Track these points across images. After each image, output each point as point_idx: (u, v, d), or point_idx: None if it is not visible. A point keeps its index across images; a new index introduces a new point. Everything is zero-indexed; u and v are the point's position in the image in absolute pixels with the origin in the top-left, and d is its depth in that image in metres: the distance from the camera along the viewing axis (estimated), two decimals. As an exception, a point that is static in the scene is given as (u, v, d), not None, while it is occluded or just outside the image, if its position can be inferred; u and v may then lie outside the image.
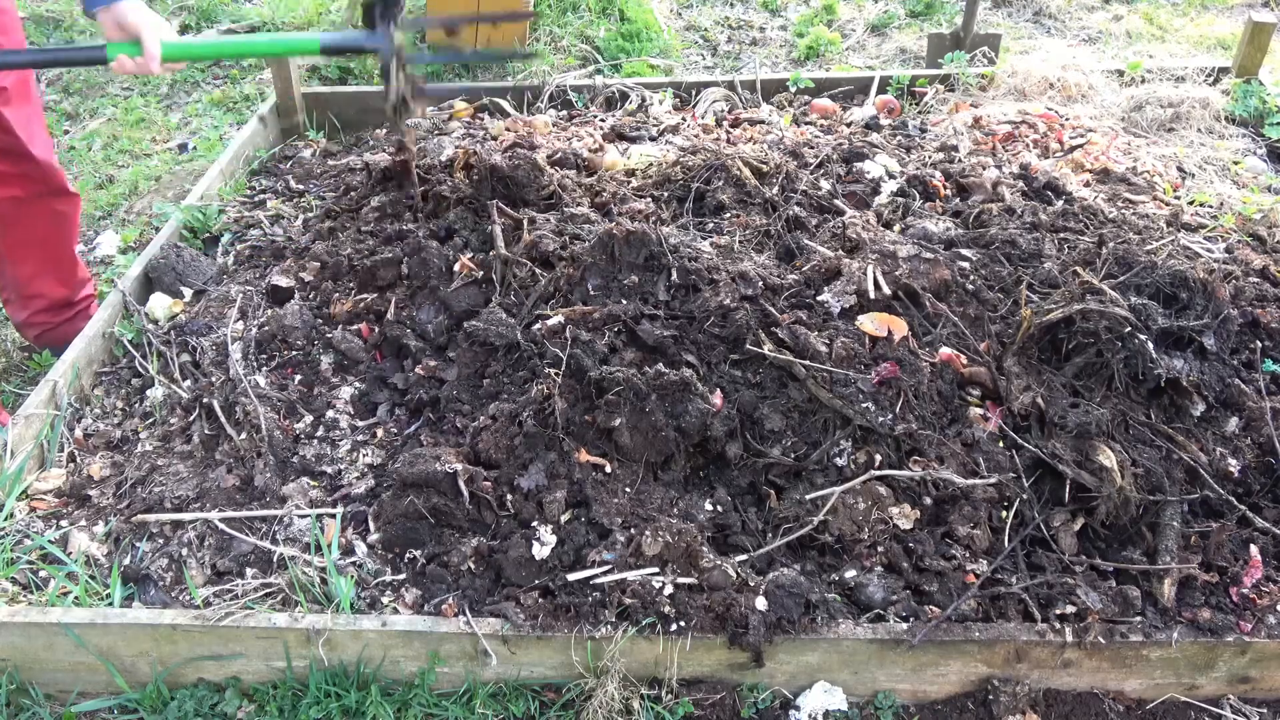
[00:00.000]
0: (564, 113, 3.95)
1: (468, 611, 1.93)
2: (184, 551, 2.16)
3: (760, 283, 2.41)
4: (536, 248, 2.61)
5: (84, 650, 1.93)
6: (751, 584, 1.92)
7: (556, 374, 2.21)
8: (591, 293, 2.44)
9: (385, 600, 2.03)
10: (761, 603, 1.88)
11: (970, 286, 2.45)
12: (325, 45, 2.20)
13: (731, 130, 3.65)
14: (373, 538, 2.14)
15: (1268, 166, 3.49)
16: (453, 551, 2.05)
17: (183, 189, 3.95)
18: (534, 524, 2.04)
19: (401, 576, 2.07)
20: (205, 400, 2.44)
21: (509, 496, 2.11)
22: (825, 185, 2.95)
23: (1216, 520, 2.10)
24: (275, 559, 2.11)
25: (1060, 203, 2.92)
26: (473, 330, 2.41)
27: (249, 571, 2.11)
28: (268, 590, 2.06)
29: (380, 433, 2.40)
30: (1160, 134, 3.65)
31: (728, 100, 3.99)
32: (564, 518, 2.06)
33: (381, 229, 2.87)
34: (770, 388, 2.23)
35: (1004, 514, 2.09)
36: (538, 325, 2.39)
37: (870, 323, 2.31)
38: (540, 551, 1.98)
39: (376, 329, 2.61)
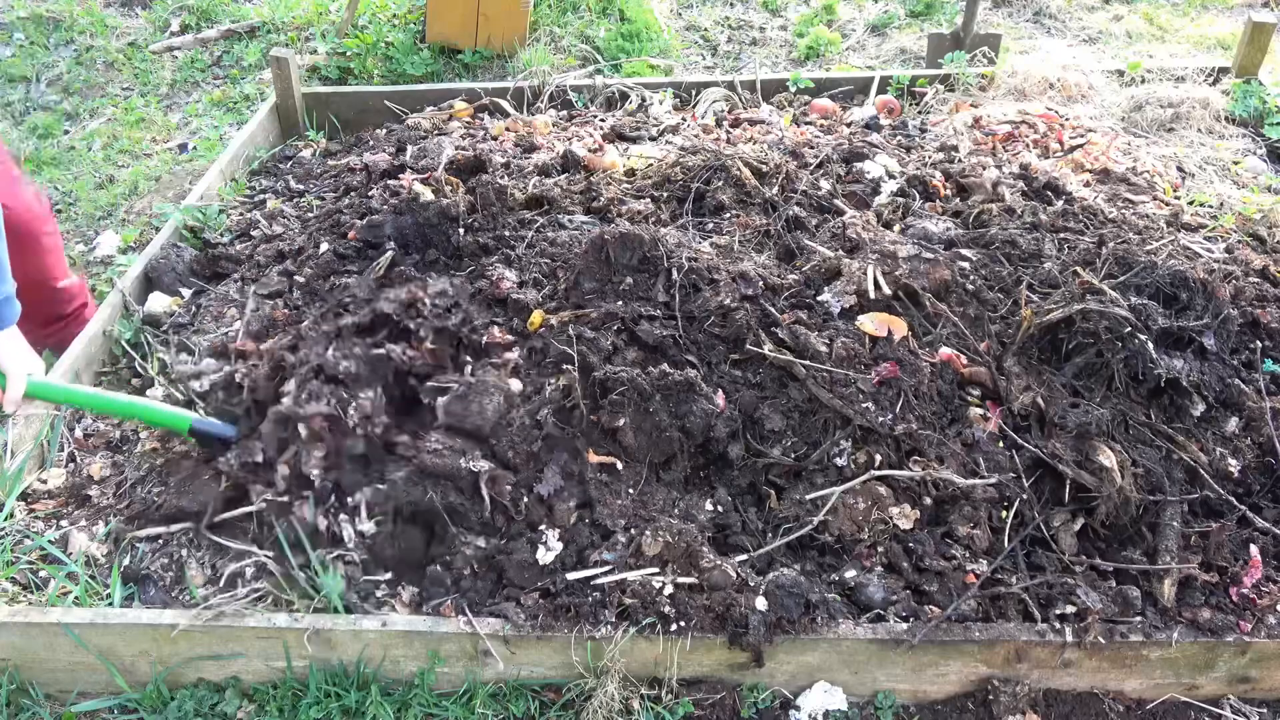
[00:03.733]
0: (564, 113, 3.95)
1: (468, 611, 1.93)
2: (184, 552, 2.15)
3: (760, 283, 2.41)
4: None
5: (84, 650, 1.93)
6: (751, 584, 1.92)
7: (571, 368, 2.20)
8: (586, 296, 2.44)
9: (379, 593, 2.01)
10: (761, 603, 1.88)
11: (970, 286, 2.45)
12: (195, 429, 2.20)
13: (731, 130, 3.64)
14: (366, 526, 2.06)
15: (1268, 166, 3.49)
16: (456, 553, 2.03)
17: (183, 189, 3.95)
18: (541, 527, 2.03)
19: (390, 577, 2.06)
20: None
21: (524, 499, 2.08)
22: (825, 185, 2.95)
23: (1216, 520, 2.10)
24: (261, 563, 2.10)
25: (1060, 203, 2.92)
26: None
27: (248, 571, 2.10)
28: (268, 590, 2.06)
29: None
30: (1160, 134, 3.64)
31: (728, 100, 3.99)
32: (570, 520, 2.06)
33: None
34: (770, 388, 2.23)
35: (1004, 514, 2.09)
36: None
37: (870, 323, 2.31)
38: (545, 556, 1.98)
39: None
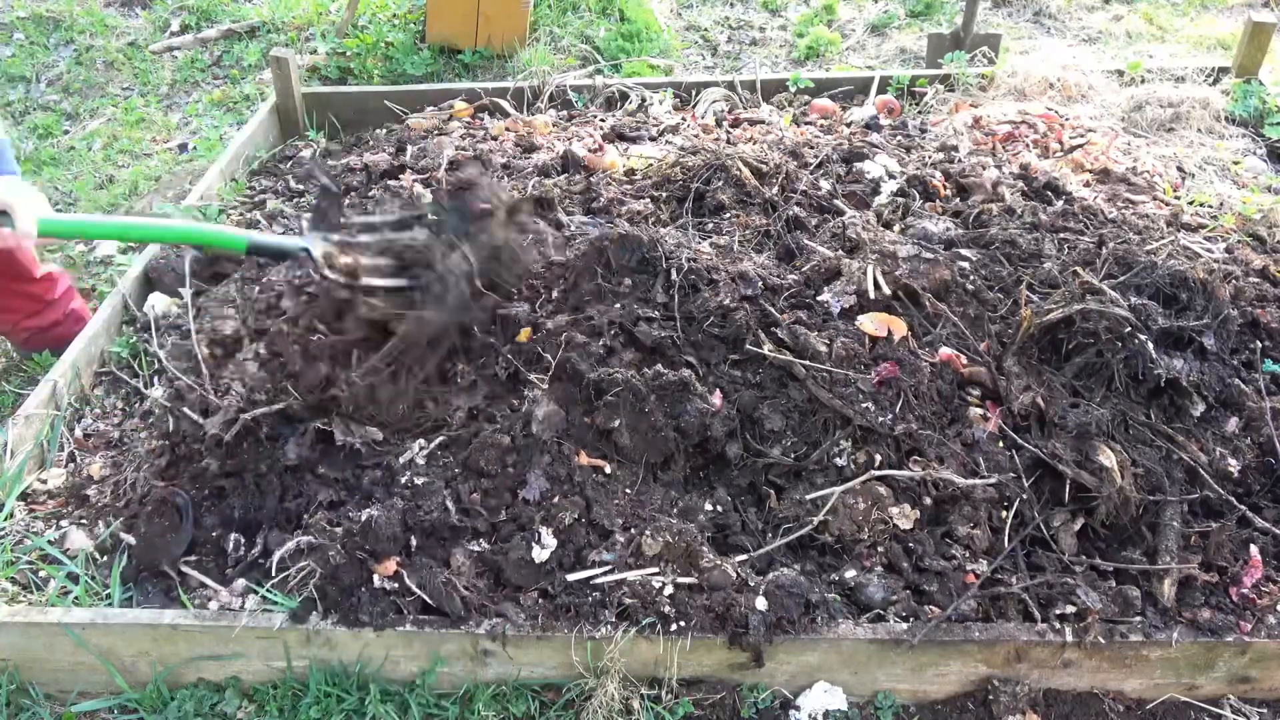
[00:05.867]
0: (564, 113, 3.95)
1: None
2: (184, 551, 2.15)
3: (760, 283, 2.41)
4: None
5: (84, 650, 1.93)
6: (751, 584, 1.92)
7: (541, 379, 2.21)
8: (585, 298, 2.44)
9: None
10: (761, 603, 1.88)
11: (970, 286, 2.45)
12: (253, 246, 2.01)
13: (731, 130, 3.64)
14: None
15: (1268, 166, 3.49)
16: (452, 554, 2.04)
17: (183, 189, 3.95)
18: (534, 526, 2.03)
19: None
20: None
21: (508, 506, 2.09)
22: (825, 185, 2.95)
23: (1216, 520, 2.10)
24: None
25: (1060, 203, 2.92)
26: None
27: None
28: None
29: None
30: (1160, 134, 3.64)
31: (728, 100, 3.99)
32: (566, 520, 2.05)
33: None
34: (770, 388, 2.23)
35: (1004, 514, 2.09)
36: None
37: (870, 323, 2.31)
38: (540, 554, 1.98)
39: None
